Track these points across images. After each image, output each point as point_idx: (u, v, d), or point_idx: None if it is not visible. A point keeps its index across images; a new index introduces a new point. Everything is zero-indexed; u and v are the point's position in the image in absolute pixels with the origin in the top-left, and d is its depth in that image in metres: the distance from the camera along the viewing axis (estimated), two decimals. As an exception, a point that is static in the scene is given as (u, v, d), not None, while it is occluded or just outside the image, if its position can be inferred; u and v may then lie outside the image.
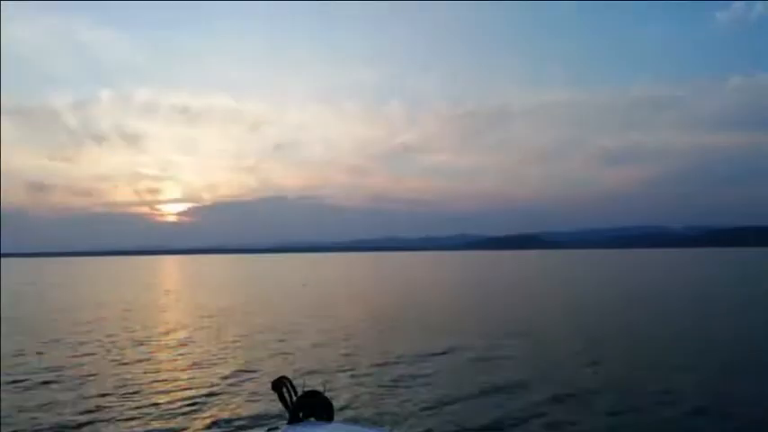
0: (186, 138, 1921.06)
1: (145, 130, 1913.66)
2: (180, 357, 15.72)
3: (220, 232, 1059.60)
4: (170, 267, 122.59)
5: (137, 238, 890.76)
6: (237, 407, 10.35)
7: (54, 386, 12.36)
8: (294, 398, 2.84)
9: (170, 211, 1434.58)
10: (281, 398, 2.87)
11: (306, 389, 2.86)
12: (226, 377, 12.84)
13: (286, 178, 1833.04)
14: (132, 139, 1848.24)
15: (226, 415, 9.85)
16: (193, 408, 10.37)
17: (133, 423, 9.55)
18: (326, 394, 2.88)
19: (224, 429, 9.11)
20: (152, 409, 10.31)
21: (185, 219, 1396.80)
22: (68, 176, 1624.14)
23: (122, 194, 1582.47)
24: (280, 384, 2.85)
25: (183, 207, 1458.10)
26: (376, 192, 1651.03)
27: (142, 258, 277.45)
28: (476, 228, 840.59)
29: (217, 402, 10.73)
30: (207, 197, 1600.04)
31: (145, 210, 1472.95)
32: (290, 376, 2.86)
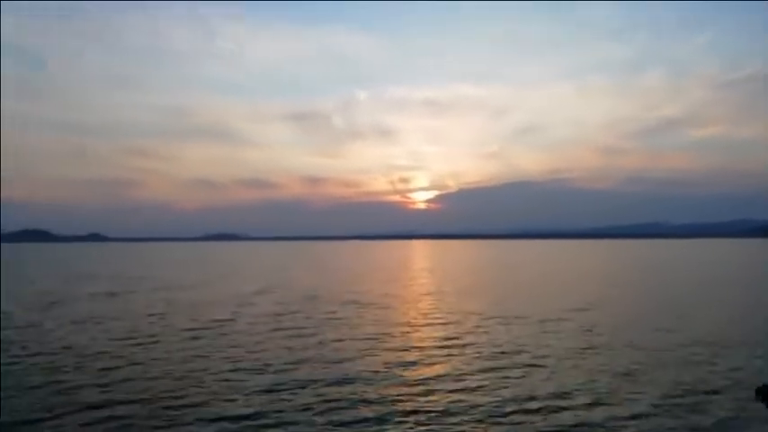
0: (433, 129, 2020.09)
1: (397, 124, 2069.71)
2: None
3: (465, 218, 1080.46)
4: (446, 252, 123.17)
5: (391, 224, 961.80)
6: (714, 406, 10.24)
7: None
8: None
9: (419, 199, 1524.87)
10: None
11: None
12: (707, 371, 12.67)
13: (530, 162, 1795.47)
14: (386, 134, 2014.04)
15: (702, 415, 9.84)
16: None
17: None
18: None
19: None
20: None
21: (433, 206, 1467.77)
22: (335, 170, 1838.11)
23: (379, 184, 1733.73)
24: (766, 391, 2.41)
25: (430, 195, 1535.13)
26: (631, 172, 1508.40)
27: (398, 243, 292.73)
28: (762, 211, 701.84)
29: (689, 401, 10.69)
30: (452, 184, 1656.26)
31: (397, 198, 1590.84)
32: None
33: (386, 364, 13.73)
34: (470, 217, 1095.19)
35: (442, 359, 14.29)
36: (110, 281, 42.03)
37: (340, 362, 14.03)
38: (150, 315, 22.74)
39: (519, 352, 15.01)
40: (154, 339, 17.33)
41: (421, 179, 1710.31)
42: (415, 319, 21.71)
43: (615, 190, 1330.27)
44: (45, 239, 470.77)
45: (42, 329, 19.26)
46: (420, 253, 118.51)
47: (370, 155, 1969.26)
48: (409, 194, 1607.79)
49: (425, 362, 14.05)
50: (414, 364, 13.84)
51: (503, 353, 14.89)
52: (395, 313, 23.22)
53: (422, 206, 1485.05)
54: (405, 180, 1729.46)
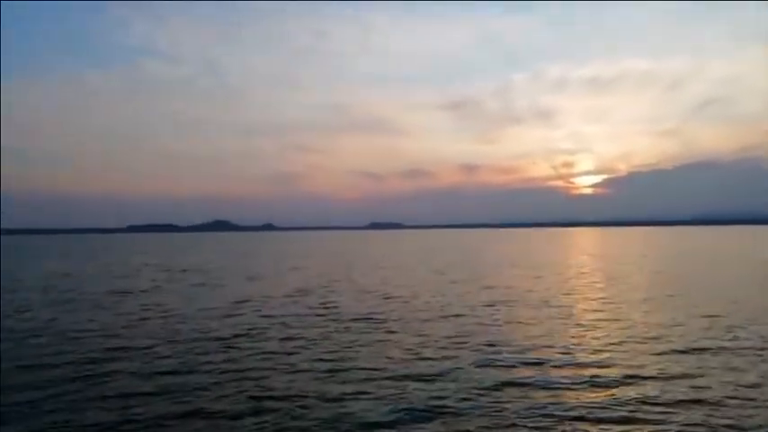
0: (597, 108, 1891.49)
1: (556, 105, 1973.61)
2: None
3: (637, 203, 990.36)
4: (631, 240, 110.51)
5: (553, 211, 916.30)
6: None
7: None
8: None
9: (584, 184, 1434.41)
10: None
11: None
12: None
13: (715, 140, 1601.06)
14: (545, 116, 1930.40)
15: None
16: None
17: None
18: None
19: None
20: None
21: (600, 190, 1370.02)
22: (492, 156, 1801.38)
23: (539, 170, 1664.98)
24: None
25: (597, 179, 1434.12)
26: None
27: (562, 230, 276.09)
28: None
29: None
30: (621, 167, 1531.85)
31: (559, 183, 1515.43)
32: None
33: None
34: (643, 202, 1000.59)
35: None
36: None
37: None
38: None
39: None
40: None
41: (585, 162, 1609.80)
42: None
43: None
44: (227, 229, 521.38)
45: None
46: (598, 241, 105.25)
47: (528, 139, 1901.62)
48: (573, 179, 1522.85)
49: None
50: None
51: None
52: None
53: (587, 191, 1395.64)
54: (568, 164, 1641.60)
